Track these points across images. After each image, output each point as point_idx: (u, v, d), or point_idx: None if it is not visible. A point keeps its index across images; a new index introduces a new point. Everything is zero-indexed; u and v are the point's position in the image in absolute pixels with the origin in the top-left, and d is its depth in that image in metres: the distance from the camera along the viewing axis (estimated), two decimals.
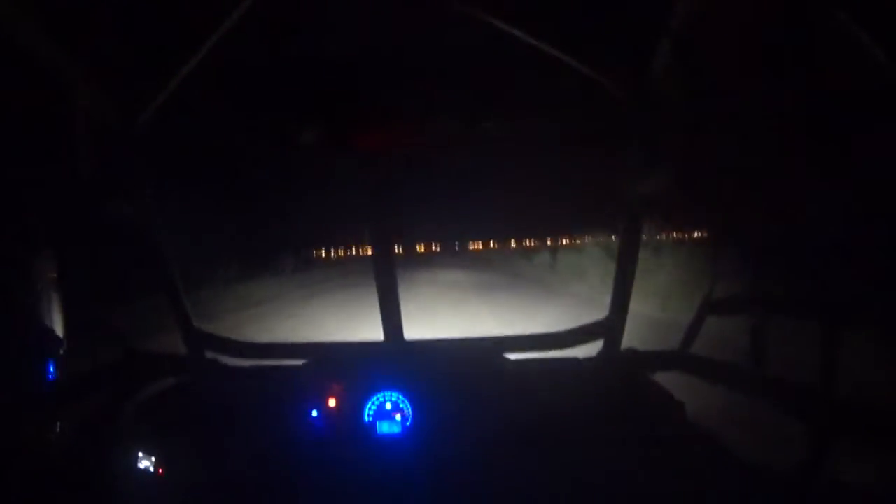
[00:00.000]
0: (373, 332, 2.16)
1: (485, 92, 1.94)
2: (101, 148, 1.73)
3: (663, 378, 1.99)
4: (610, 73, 1.74)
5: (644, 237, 2.03)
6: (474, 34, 1.67)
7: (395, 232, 2.05)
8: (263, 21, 1.64)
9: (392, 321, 2.07)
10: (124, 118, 1.80)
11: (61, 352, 1.98)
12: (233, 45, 1.66)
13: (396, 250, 2.14)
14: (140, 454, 1.83)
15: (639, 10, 1.63)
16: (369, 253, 2.04)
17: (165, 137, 1.94)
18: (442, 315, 9.39)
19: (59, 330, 1.96)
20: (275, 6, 1.59)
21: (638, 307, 2.07)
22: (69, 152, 1.66)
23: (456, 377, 1.96)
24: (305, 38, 1.79)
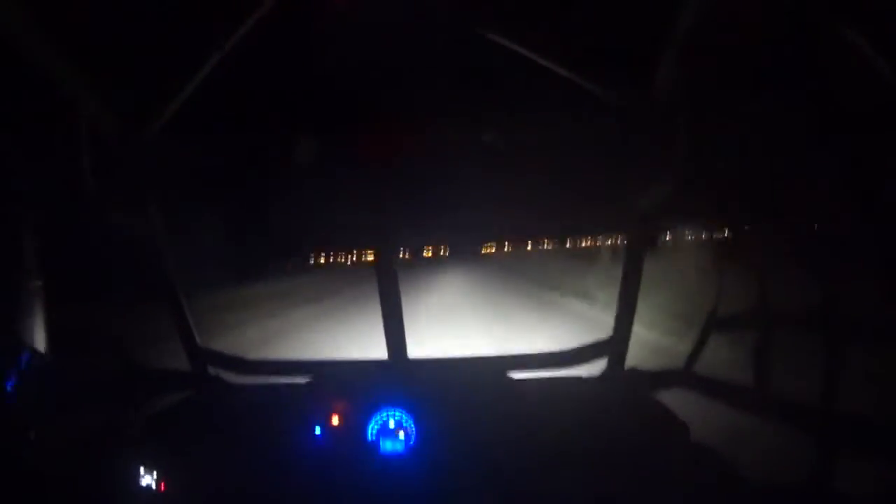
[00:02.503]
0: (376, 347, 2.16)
1: (489, 102, 1.95)
2: (105, 158, 1.74)
3: (667, 396, 1.98)
4: (614, 83, 1.75)
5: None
6: (480, 46, 1.68)
7: (398, 249, 2.05)
8: (269, 34, 1.65)
9: (396, 339, 2.07)
10: (129, 129, 1.81)
11: (46, 356, 1.95)
12: (237, 56, 1.67)
13: (403, 255, 2.14)
14: (142, 469, 1.82)
15: (643, 21, 1.63)
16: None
17: (169, 148, 1.95)
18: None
19: (46, 343, 1.95)
20: (278, 19, 1.60)
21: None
22: (73, 164, 1.67)
23: (459, 396, 1.95)
24: (309, 50, 1.80)
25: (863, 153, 1.61)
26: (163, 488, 1.81)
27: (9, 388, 1.79)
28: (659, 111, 1.69)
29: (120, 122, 1.79)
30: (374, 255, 2.05)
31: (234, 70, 1.72)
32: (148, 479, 1.82)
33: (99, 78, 1.66)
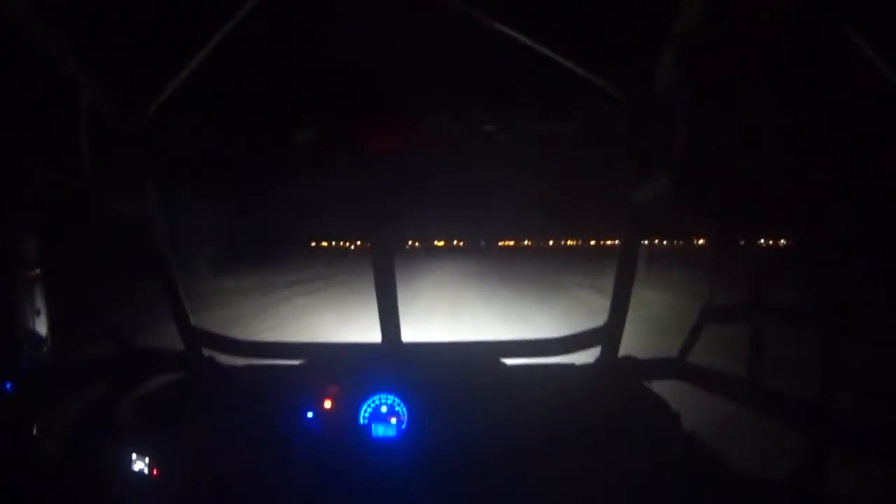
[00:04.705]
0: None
1: (488, 94, 1.94)
2: (103, 145, 1.73)
3: (661, 386, 1.99)
4: (613, 77, 1.74)
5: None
6: (478, 37, 1.67)
7: (394, 236, 2.04)
8: (267, 22, 1.64)
9: (390, 323, 2.07)
10: (127, 116, 1.80)
11: (45, 348, 1.95)
12: (236, 46, 1.66)
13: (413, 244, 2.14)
14: (134, 452, 1.82)
15: (643, 15, 1.63)
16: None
17: (167, 136, 1.94)
18: None
19: (44, 324, 1.94)
20: (278, 8, 1.59)
21: None
22: (70, 150, 1.66)
23: (452, 381, 1.95)
24: (308, 40, 1.79)
25: (863, 153, 1.61)
26: (156, 473, 1.81)
27: (12, 383, 1.79)
28: (659, 106, 1.69)
29: (119, 106, 1.78)
30: (370, 242, 2.05)
31: (233, 56, 1.70)
32: (140, 464, 1.82)
33: (98, 63, 1.65)
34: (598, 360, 2.06)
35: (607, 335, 2.04)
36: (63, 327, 2.02)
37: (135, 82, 1.77)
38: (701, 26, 1.48)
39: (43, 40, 1.51)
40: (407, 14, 1.69)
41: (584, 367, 2.05)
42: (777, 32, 1.53)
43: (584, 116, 1.93)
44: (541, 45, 1.67)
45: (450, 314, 9.87)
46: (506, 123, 1.95)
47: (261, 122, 2.02)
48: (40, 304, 1.90)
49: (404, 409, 1.90)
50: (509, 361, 2.08)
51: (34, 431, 1.80)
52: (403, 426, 1.89)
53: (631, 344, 2.08)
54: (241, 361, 2.17)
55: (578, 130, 2.04)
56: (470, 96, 1.94)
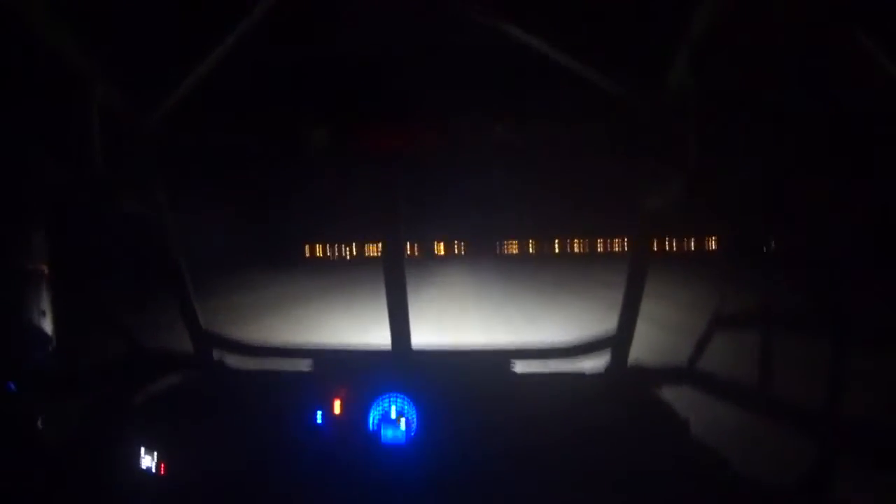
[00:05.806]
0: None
1: (498, 97, 1.94)
2: (114, 145, 1.74)
3: (670, 393, 1.98)
4: (624, 82, 1.74)
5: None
6: (489, 40, 1.68)
7: (405, 239, 2.05)
8: (277, 23, 1.65)
9: (400, 328, 2.07)
10: (138, 116, 1.82)
11: (50, 346, 1.96)
12: (246, 47, 1.67)
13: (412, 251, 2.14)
14: (143, 451, 1.84)
15: (655, 19, 1.62)
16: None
17: (178, 136, 1.95)
18: None
19: (49, 322, 1.96)
20: (288, 9, 1.60)
21: None
22: (81, 148, 1.68)
23: (461, 386, 1.95)
24: (319, 41, 1.80)
25: (871, 157, 1.61)
26: (163, 471, 1.83)
27: (15, 382, 1.81)
28: (669, 111, 1.69)
29: (129, 106, 1.80)
30: (381, 246, 2.05)
31: (245, 56, 1.71)
32: (148, 462, 1.84)
33: (110, 61, 1.67)
34: (608, 367, 2.06)
35: (617, 341, 2.03)
36: (73, 327, 2.04)
37: (147, 81, 1.79)
38: (711, 30, 1.48)
39: (56, 38, 1.53)
40: (417, 17, 1.70)
41: (593, 375, 2.05)
42: (786, 36, 1.52)
43: (594, 120, 1.93)
44: (552, 48, 1.68)
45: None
46: (516, 126, 1.95)
47: (272, 122, 2.03)
48: (46, 302, 1.92)
49: (413, 414, 1.90)
50: (519, 367, 2.07)
51: (38, 426, 1.82)
52: (412, 431, 1.89)
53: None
54: (250, 364, 2.18)
55: (589, 134, 2.04)
56: (481, 99, 1.94)
